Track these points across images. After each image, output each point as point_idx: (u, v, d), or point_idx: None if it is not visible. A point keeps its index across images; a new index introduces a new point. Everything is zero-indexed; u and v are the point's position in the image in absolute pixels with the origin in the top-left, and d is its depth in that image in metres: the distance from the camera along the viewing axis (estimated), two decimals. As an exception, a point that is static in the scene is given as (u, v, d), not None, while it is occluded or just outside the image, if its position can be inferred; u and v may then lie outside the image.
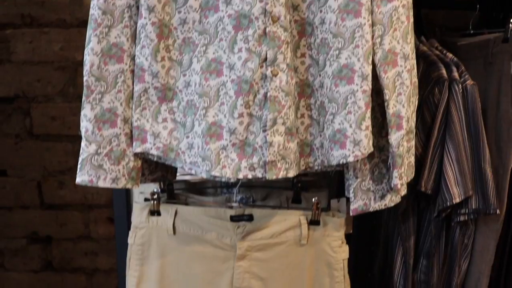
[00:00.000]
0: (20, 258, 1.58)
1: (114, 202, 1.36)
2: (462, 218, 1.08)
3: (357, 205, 0.91)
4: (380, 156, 0.92)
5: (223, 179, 0.86)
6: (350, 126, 0.82)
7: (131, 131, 0.86)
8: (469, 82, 1.04)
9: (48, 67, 1.45)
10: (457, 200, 1.02)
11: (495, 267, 1.16)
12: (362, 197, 0.91)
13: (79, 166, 0.83)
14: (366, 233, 1.32)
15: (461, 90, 1.03)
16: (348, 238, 1.27)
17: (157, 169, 0.97)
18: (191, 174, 1.10)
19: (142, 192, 1.03)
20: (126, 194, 1.34)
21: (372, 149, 0.83)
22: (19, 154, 1.50)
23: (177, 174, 1.02)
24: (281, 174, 0.84)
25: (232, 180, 0.86)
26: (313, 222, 0.96)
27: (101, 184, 0.83)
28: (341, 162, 0.84)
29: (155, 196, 0.97)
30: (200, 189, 1.08)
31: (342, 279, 0.98)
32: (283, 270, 0.99)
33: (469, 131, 1.05)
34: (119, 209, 1.34)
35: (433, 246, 1.12)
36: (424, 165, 1.05)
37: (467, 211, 1.06)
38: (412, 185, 1.09)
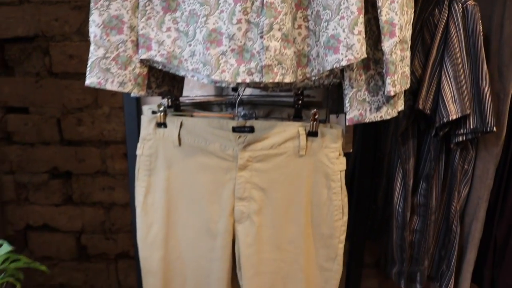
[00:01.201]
0: (43, 192, 1.67)
1: (127, 139, 1.40)
2: (460, 139, 1.10)
3: (352, 114, 0.94)
4: (376, 68, 0.95)
5: (223, 84, 0.90)
6: (343, 31, 0.84)
7: (137, 39, 0.91)
8: (470, 2, 1.05)
9: (65, 6, 1.51)
10: (453, 116, 1.04)
11: (493, 192, 1.19)
12: (358, 107, 0.94)
13: (88, 69, 0.88)
14: (369, 165, 1.34)
15: (461, 10, 1.04)
16: (353, 170, 1.31)
17: (163, 83, 1.02)
18: (198, 96, 1.16)
19: (150, 108, 1.08)
20: (139, 130, 1.40)
21: (365, 55, 0.86)
22: (40, 92, 1.57)
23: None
24: (278, 79, 0.87)
25: (232, 85, 0.90)
26: (311, 134, 1.00)
27: (109, 86, 0.89)
28: (334, 67, 0.87)
29: (162, 108, 1.02)
30: (205, 106, 1.13)
31: (339, 190, 1.02)
32: (282, 180, 1.03)
33: (468, 51, 1.06)
34: (132, 146, 1.40)
35: (432, 169, 1.15)
36: (422, 84, 1.07)
37: (465, 131, 1.08)
38: (412, 106, 1.12)
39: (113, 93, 1.55)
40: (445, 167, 1.18)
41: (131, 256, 1.75)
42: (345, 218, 1.05)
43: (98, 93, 1.56)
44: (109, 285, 1.79)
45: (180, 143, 1.04)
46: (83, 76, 1.55)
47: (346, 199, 1.04)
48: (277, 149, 1.01)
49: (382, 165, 1.34)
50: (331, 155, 1.01)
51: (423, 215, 1.20)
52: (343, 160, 1.03)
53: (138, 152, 1.06)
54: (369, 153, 1.26)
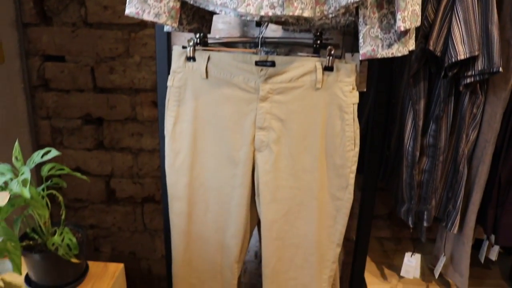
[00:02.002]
0: (76, 137, 1.80)
1: (158, 87, 1.50)
2: (468, 80, 1.16)
3: (365, 50, 1.02)
4: (389, 8, 1.02)
5: (248, 18, 0.99)
6: None
7: (171, -26, 1.00)
8: (483, -51, 1.11)
9: (101, -41, 1.61)
10: (461, 56, 1.10)
11: (500, 135, 1.25)
12: (371, 43, 1.02)
13: (127, 0, 0.98)
14: (383, 111, 1.41)
15: (473, -44, 1.10)
16: (367, 119, 1.38)
17: (193, 21, 1.11)
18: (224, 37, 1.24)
19: (180, 46, 1.18)
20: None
21: None
22: (76, 42, 1.68)
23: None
24: (297, 12, 0.95)
25: (255, 18, 0.99)
26: (327, 68, 1.09)
27: (146, 17, 0.98)
28: (349, 2, 0.94)
29: (191, 43, 1.11)
30: (231, 45, 1.22)
31: (351, 122, 1.11)
32: (299, 112, 1.12)
33: (479, -3, 1.13)
34: (162, 94, 1.50)
35: (441, 110, 1.22)
36: (433, 26, 1.14)
37: (473, 72, 1.15)
38: (424, 49, 1.19)
39: (144, 43, 1.65)
40: (454, 111, 1.25)
41: (156, 200, 1.87)
42: (357, 149, 1.13)
43: (129, 43, 1.66)
44: (135, 227, 1.92)
45: (207, 76, 1.13)
46: (116, 26, 1.66)
47: (358, 131, 1.12)
48: (296, 82, 1.10)
49: (395, 111, 1.41)
50: (345, 89, 1.09)
51: (432, 155, 1.28)
52: (356, 93, 1.11)
53: (169, 83, 1.16)
54: (383, 99, 1.32)
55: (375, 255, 1.67)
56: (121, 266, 1.12)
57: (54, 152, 0.94)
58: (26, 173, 0.90)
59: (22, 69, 1.70)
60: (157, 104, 1.66)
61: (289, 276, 1.26)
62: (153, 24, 1.53)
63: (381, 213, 1.84)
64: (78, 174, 1.01)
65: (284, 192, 1.18)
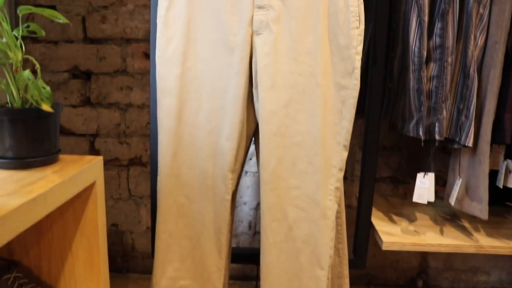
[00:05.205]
0: (62, 92, 1.70)
1: (151, 35, 1.45)
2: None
3: None
4: None
5: None
6: None
7: None
8: None
9: None
10: None
11: (510, 36, 1.19)
12: None
13: None
14: (384, 37, 1.34)
15: None
16: (368, 52, 1.31)
17: None
18: None
19: None
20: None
21: None
22: (68, -9, 1.65)
23: None
24: None
25: None
26: None
27: None
28: None
29: None
30: None
31: None
32: None
33: None
34: (155, 43, 1.44)
35: (447, 3, 1.17)
36: None
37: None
38: None
39: (137, -13, 1.62)
40: (460, 10, 1.19)
41: (143, 162, 1.74)
42: (362, 26, 1.06)
43: (123, -12, 1.63)
44: (119, 194, 1.77)
45: (202, -46, 1.08)
46: (110, -26, 1.63)
47: (362, 6, 1.05)
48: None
49: (396, 35, 1.35)
50: None
51: (439, 58, 1.20)
52: (359, -34, 1.05)
53: (163, -38, 1.11)
54: (383, 25, 1.26)
55: (381, 207, 1.53)
56: (99, 157, 0.99)
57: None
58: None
59: (11, 18, 1.64)
60: (149, 55, 1.60)
61: (292, 184, 1.12)
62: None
63: (384, 176, 1.72)
64: (56, 13, 0.92)
65: (285, 78, 1.08)
